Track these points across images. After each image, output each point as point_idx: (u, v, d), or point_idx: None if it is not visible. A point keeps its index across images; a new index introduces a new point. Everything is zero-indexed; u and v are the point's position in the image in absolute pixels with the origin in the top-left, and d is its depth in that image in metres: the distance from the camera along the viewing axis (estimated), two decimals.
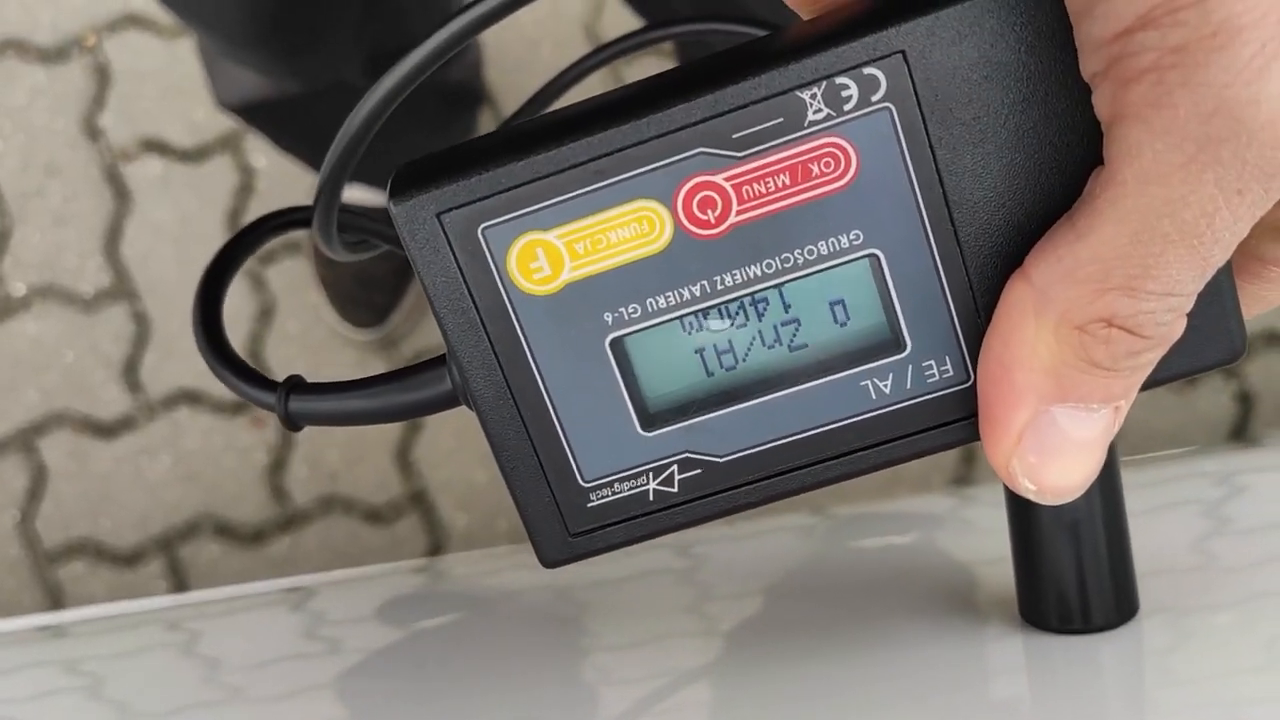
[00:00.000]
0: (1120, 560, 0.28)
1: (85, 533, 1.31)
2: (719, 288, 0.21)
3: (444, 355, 0.23)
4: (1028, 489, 0.21)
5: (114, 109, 1.31)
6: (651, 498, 0.22)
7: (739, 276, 0.21)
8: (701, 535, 0.38)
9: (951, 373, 0.21)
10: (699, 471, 0.22)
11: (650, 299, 0.21)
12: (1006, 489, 0.27)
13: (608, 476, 0.22)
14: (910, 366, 0.21)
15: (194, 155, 1.30)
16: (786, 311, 0.21)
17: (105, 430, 1.32)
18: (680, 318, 0.21)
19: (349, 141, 0.21)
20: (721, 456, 0.22)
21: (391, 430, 1.25)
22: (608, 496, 0.22)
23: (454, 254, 0.20)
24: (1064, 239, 0.19)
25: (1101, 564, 0.28)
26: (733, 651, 0.32)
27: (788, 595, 0.35)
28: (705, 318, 0.21)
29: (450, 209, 0.20)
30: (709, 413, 0.22)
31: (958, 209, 0.20)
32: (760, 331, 0.21)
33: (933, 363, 0.21)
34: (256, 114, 0.95)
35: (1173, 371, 0.21)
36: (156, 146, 1.31)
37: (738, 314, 0.21)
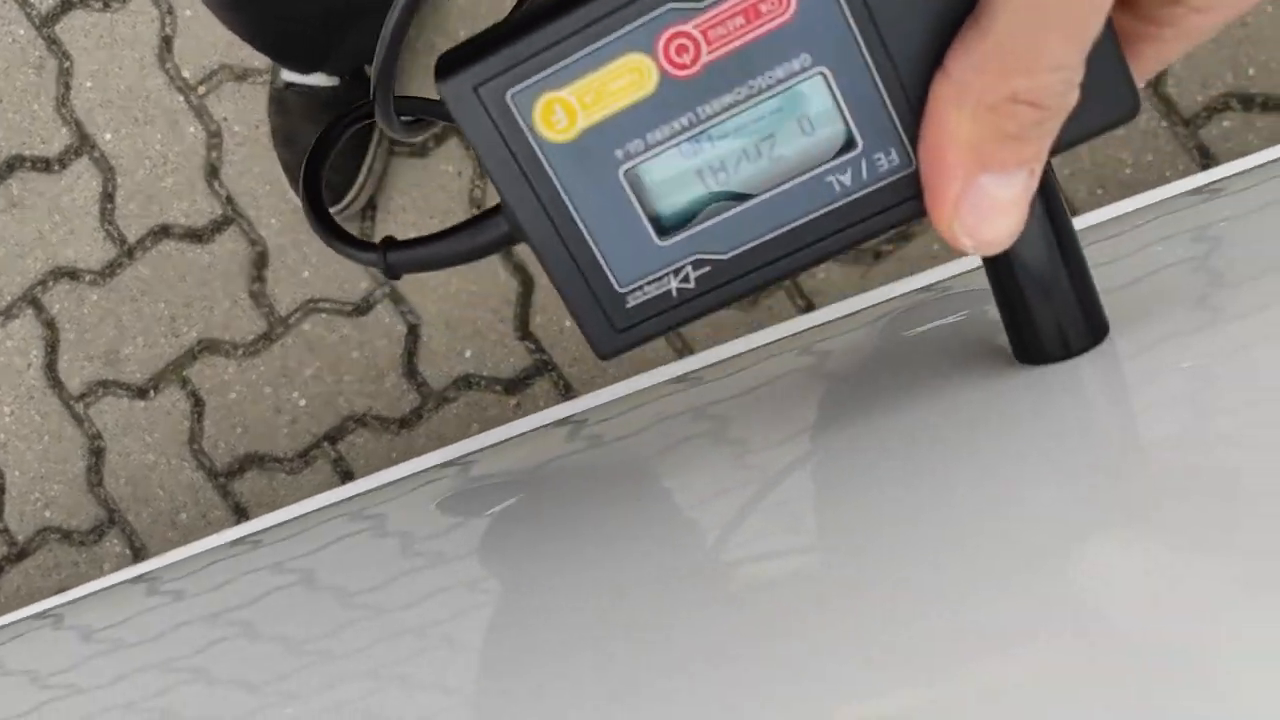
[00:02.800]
0: (1081, 287, 0.29)
1: (251, 448, 1.46)
2: (703, 116, 0.25)
3: (499, 205, 0.28)
4: (966, 245, 0.25)
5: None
6: (675, 294, 0.27)
7: (718, 104, 0.25)
8: None
9: (898, 160, 0.25)
10: (709, 269, 0.27)
11: (650, 133, 0.25)
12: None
13: (638, 281, 0.27)
14: (864, 160, 0.25)
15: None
16: (761, 127, 0.26)
17: (248, 350, 1.45)
18: (677, 145, 0.25)
19: (394, 33, 0.25)
20: (725, 254, 0.27)
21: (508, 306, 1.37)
22: (640, 297, 0.27)
23: (491, 118, 0.25)
24: (971, 36, 0.23)
25: (1064, 293, 0.29)
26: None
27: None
28: (698, 142, 0.25)
29: (483, 82, 0.25)
30: (711, 219, 0.26)
31: (884, 25, 0.24)
32: (744, 148, 0.26)
33: (881, 155, 0.25)
34: None
35: (1079, 133, 0.25)
36: None
37: (722, 137, 0.25)
